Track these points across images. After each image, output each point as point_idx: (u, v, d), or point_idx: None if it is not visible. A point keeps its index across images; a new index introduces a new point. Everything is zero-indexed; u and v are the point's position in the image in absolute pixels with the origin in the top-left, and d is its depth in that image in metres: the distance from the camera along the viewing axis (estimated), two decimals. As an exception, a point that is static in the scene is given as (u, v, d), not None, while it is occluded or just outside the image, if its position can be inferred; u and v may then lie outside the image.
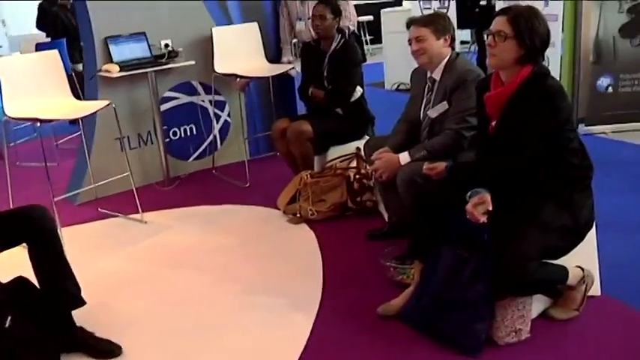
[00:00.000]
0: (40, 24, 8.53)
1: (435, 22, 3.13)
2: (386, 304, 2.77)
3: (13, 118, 3.83)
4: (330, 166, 4.09)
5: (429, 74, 3.22)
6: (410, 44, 3.17)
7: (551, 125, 2.35)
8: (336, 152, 4.18)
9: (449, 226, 2.59)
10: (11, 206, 3.84)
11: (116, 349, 2.64)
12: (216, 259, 3.55)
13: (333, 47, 4.19)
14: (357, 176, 3.91)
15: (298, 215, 3.91)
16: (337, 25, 4.22)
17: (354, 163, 3.99)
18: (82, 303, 2.68)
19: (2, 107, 3.87)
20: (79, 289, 2.69)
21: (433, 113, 3.18)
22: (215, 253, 3.63)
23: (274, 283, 3.21)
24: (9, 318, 2.49)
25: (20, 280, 2.63)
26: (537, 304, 2.60)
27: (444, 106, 3.14)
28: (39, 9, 8.49)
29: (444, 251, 2.56)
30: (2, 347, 2.40)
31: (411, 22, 3.20)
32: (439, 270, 2.55)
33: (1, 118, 3.94)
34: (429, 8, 6.21)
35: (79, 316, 2.71)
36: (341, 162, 4.06)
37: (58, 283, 2.60)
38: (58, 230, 2.64)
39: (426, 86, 3.24)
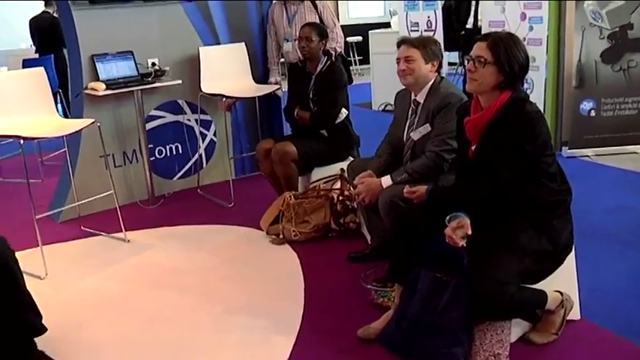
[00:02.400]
0: (34, 39, 8.59)
1: (426, 46, 3.16)
2: (366, 327, 2.76)
3: (-5, 136, 3.82)
4: (313, 187, 4.10)
5: (412, 96, 3.25)
6: (398, 63, 3.19)
7: (530, 150, 2.38)
8: (320, 173, 4.19)
9: (428, 249, 2.60)
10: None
11: None
12: (198, 279, 3.54)
13: (319, 69, 4.22)
14: (341, 198, 3.91)
15: (281, 236, 3.91)
16: (323, 47, 4.25)
17: (337, 185, 4.00)
18: (43, 331, 2.67)
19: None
20: (39, 317, 2.67)
21: (416, 135, 3.20)
22: (197, 273, 3.62)
23: (255, 303, 3.20)
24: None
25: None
26: (516, 328, 2.61)
27: (426, 128, 3.16)
28: (30, 24, 8.54)
29: (422, 275, 2.56)
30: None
31: (402, 42, 3.22)
32: (418, 293, 2.56)
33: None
34: (417, 30, 6.28)
35: (50, 338, 2.70)
36: (325, 183, 4.07)
37: (16, 313, 2.58)
38: (16, 258, 2.60)
39: (410, 108, 3.27)
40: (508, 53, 2.39)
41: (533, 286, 2.49)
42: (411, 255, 2.65)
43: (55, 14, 8.31)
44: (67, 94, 7.43)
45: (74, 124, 4.02)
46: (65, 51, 7.56)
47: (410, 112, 3.27)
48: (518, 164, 2.38)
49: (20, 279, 2.61)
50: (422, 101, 3.19)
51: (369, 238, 3.65)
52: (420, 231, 2.63)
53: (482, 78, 2.43)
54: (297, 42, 4.44)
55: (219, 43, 5.19)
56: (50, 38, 8.20)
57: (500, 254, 2.37)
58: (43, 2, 8.64)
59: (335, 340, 2.79)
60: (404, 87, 3.31)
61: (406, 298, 2.64)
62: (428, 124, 3.15)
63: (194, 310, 3.18)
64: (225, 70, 4.98)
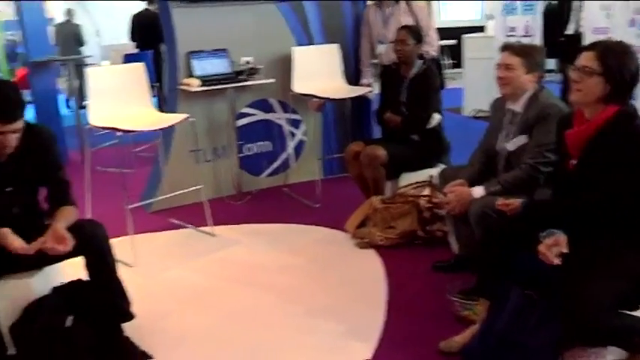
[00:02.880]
0: (133, 36, 8.89)
1: (529, 55, 3.02)
2: (449, 340, 2.69)
3: (96, 127, 3.95)
4: (401, 192, 4.03)
5: (509, 105, 3.13)
6: (497, 69, 3.08)
7: (638, 170, 2.24)
8: (408, 179, 4.12)
9: (519, 265, 2.50)
10: (87, 208, 3.98)
11: None
12: (281, 277, 3.55)
13: (413, 73, 4.15)
14: (429, 205, 3.83)
15: (366, 240, 3.87)
16: (418, 50, 4.19)
17: (426, 191, 3.92)
18: (130, 318, 2.74)
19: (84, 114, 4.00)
20: (128, 303, 2.75)
21: (511, 146, 3.09)
22: (280, 271, 3.63)
23: (337, 306, 3.17)
24: (70, 318, 2.57)
25: (79, 283, 2.71)
26: (611, 357, 2.46)
27: (522, 139, 3.04)
28: (132, 21, 8.84)
29: (513, 291, 2.46)
30: (63, 348, 2.46)
31: (505, 48, 3.10)
32: (506, 310, 2.46)
33: (86, 125, 4.08)
34: (514, 36, 6.08)
35: (137, 325, 2.77)
36: (413, 189, 3.99)
37: (107, 297, 2.67)
38: (111, 246, 2.68)
39: (506, 117, 3.15)
40: (618, 63, 2.26)
41: (634, 313, 2.35)
42: (500, 269, 2.56)
43: (155, 11, 8.62)
44: (162, 88, 7.67)
45: (169, 119, 4.13)
46: (163, 47, 7.82)
47: (505, 122, 3.15)
48: (625, 183, 2.25)
49: (114, 265, 2.69)
50: (519, 111, 3.07)
51: (455, 247, 3.55)
52: (512, 245, 2.53)
53: (587, 89, 2.31)
54: (391, 44, 4.39)
55: (312, 44, 5.20)
56: (150, 34, 8.45)
57: (598, 275, 2.24)
58: (145, 0, 8.96)
59: (415, 350, 2.74)
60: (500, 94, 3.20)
61: (493, 314, 2.54)
62: (525, 135, 3.03)
63: (275, 309, 3.19)
64: (318, 71, 4.98)
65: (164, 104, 6.99)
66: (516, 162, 3.05)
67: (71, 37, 10.61)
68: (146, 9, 8.90)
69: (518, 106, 3.07)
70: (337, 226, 4.20)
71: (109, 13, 11.40)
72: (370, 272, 3.57)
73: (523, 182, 2.95)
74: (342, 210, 4.32)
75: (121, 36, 10.32)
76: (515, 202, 2.60)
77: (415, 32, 4.17)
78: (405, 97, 4.17)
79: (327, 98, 4.80)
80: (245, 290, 3.43)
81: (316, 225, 4.34)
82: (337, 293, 3.33)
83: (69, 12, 10.81)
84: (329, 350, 2.79)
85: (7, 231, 2.43)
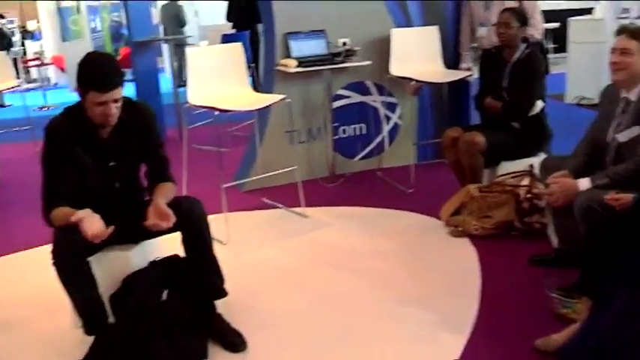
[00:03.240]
0: (229, 16, 9.03)
1: None
2: (546, 338, 2.57)
3: (194, 105, 4.02)
4: (499, 181, 3.89)
5: (623, 93, 2.94)
6: (612, 53, 2.89)
7: None
8: (507, 167, 3.97)
9: (628, 264, 2.35)
10: (184, 184, 4.06)
11: (240, 345, 2.67)
12: (373, 263, 3.51)
13: (515, 57, 3.99)
14: (528, 195, 3.68)
15: (460, 229, 3.77)
16: (522, 33, 4.01)
17: (525, 181, 3.76)
18: (224, 295, 2.78)
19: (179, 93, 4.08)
20: (222, 281, 2.79)
21: (623, 137, 2.90)
22: (372, 256, 3.60)
23: (429, 296, 3.11)
24: (165, 292, 2.63)
25: (175, 259, 2.77)
26: None
27: (637, 130, 2.85)
28: (229, 2, 8.99)
29: (619, 291, 2.32)
30: (158, 320, 2.52)
31: (621, 30, 2.87)
32: (611, 311, 2.32)
33: (184, 103, 4.16)
34: (627, 17, 5.74)
35: (227, 302, 2.82)
36: (512, 178, 3.84)
37: (202, 273, 2.71)
38: (208, 223, 2.71)
39: (619, 106, 2.96)
40: None
41: None
42: (606, 267, 2.42)
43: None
44: (258, 68, 7.74)
45: (265, 99, 4.14)
46: (260, 27, 7.92)
47: (618, 111, 2.96)
48: None
49: (210, 243, 2.73)
50: (634, 99, 2.88)
51: (554, 241, 3.39)
52: (620, 242, 2.38)
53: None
54: (493, 27, 4.23)
55: (411, 26, 5.09)
56: (247, 15, 8.58)
57: None
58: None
59: (509, 346, 2.64)
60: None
61: (596, 314, 2.41)
62: (639, 126, 2.84)
63: (366, 295, 3.16)
64: (416, 54, 4.87)
65: (259, 84, 7.07)
66: (628, 154, 2.86)
67: (173, 17, 10.90)
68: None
69: (633, 95, 2.88)
70: (430, 213, 4.11)
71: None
72: (464, 262, 3.48)
73: (635, 176, 2.76)
74: (435, 196, 4.22)
75: (219, 16, 10.51)
76: (627, 196, 2.45)
77: (520, 14, 3.99)
78: (506, 83, 4.01)
79: (425, 82, 4.68)
80: (336, 273, 3.41)
81: (409, 211, 4.26)
82: (429, 282, 3.26)
83: (172, -8, 11.10)
84: (419, 340, 2.73)
85: (83, 216, 2.42)
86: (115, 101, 2.48)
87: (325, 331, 2.83)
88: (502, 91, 4.02)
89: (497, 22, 4.06)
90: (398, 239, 3.81)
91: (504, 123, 4.00)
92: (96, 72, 2.46)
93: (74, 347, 2.67)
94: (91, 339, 2.59)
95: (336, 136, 5.04)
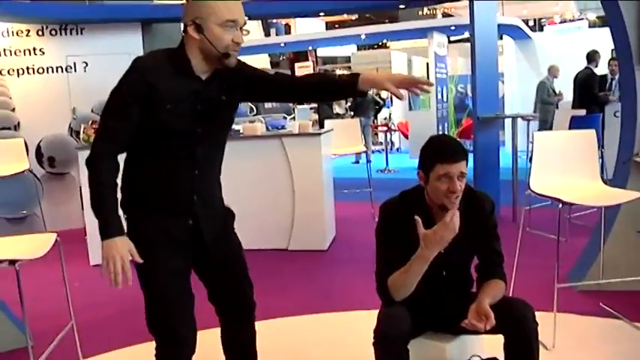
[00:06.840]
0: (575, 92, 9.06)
1: None
2: None
3: (536, 194, 3.77)
4: None
5: None
6: None
7: None
8: None
9: None
10: (513, 271, 3.75)
11: None
12: None
13: None
14: None
15: None
16: None
17: None
18: None
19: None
20: None
21: None
22: None
23: None
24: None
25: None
26: None
27: None
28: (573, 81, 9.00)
29: None
30: None
31: None
32: None
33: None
34: None
35: None
36: None
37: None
38: (538, 332, 2.45)
39: None
40: None
41: None
42: None
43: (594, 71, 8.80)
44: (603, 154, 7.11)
45: (616, 196, 3.71)
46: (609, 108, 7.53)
47: None
48: None
49: (537, 354, 2.46)
50: None
51: None
52: None
53: None
54: None
55: None
56: (589, 95, 8.30)
57: None
58: (585, 58, 9.06)
59: None
60: None
61: None
62: None
63: None
64: None
65: (602, 172, 6.44)
66: None
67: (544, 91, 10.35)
68: (587, 67, 8.96)
69: None
70: None
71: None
72: None
73: None
74: None
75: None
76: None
77: None
78: None
79: None
80: None
81: None
82: None
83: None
84: None
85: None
86: (462, 175, 2.46)
87: None
88: None
89: None
90: None
91: None
92: (442, 146, 2.51)
93: None
94: None
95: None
